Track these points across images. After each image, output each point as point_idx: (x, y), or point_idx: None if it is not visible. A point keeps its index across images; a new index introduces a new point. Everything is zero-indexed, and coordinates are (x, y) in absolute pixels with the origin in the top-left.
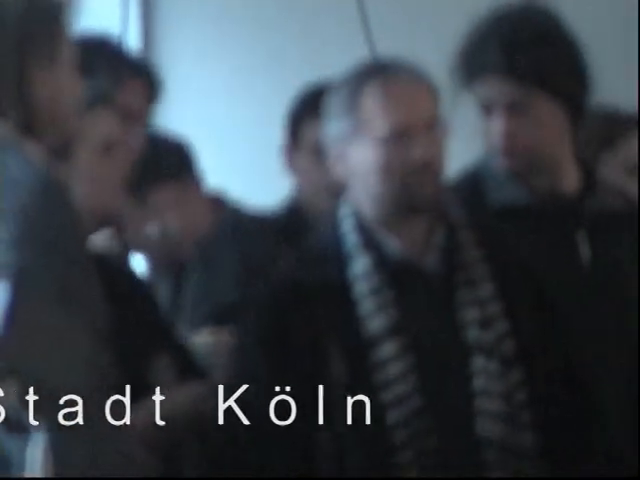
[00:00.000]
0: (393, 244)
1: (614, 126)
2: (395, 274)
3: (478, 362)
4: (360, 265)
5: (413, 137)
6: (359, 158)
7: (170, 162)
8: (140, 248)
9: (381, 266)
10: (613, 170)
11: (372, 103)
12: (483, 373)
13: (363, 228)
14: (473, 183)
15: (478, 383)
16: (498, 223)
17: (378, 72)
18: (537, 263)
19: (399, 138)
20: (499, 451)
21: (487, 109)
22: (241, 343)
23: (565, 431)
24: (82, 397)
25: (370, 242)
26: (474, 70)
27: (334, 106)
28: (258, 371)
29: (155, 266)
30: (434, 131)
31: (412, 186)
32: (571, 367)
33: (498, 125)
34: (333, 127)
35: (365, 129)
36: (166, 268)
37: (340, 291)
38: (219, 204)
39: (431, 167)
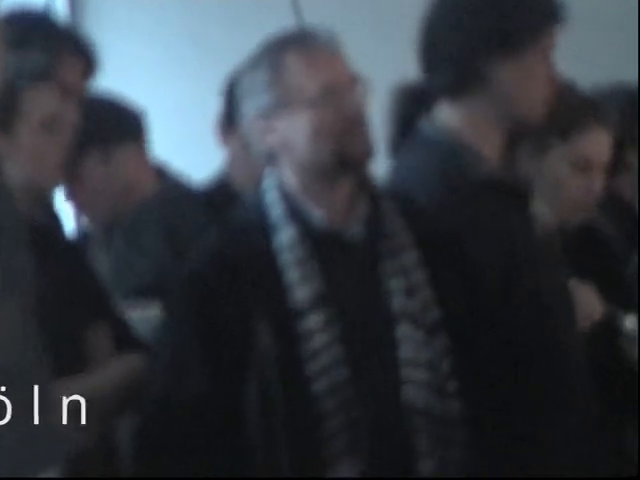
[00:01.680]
0: (317, 214)
1: (576, 117)
2: (320, 244)
3: (404, 330)
4: (285, 236)
5: (341, 93)
6: (290, 126)
7: (132, 124)
8: (90, 206)
9: (306, 236)
10: (561, 163)
11: (296, 70)
12: (409, 341)
13: (288, 199)
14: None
15: (404, 351)
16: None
17: (292, 43)
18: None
19: (329, 96)
20: (425, 418)
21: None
22: (170, 316)
23: (490, 399)
24: (9, 369)
25: (295, 213)
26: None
27: (252, 83)
28: (188, 342)
29: (96, 230)
30: (358, 88)
31: (346, 141)
32: (499, 336)
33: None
34: (254, 103)
35: (293, 96)
36: (105, 232)
37: (266, 262)
38: (162, 174)
39: (362, 121)
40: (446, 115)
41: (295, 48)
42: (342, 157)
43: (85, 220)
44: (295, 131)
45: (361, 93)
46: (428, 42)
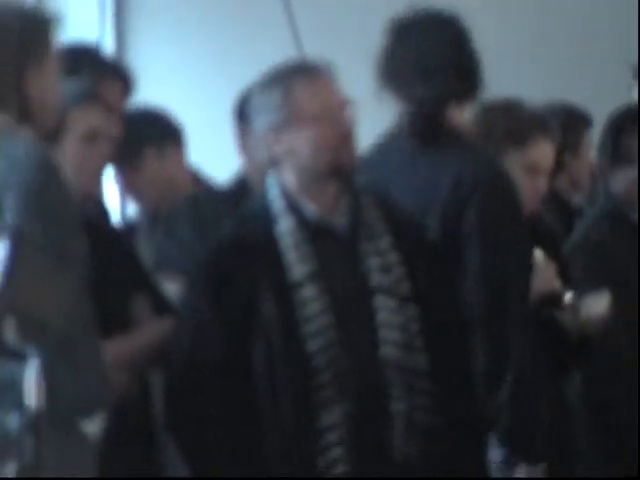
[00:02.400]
0: (310, 208)
1: (527, 129)
2: (312, 231)
3: (380, 300)
4: (284, 225)
5: (337, 114)
6: (296, 138)
7: (178, 131)
8: (143, 196)
9: (301, 225)
10: (515, 166)
11: (303, 94)
12: (384, 309)
13: (287, 195)
14: None
15: (380, 317)
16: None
17: (299, 71)
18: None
19: (327, 116)
20: (398, 371)
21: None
22: (192, 288)
23: (449, 354)
24: (68, 323)
25: (292, 206)
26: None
27: (265, 103)
28: (207, 309)
29: (143, 221)
30: (349, 110)
31: (340, 153)
32: (456, 303)
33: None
34: (266, 119)
35: (299, 116)
36: (149, 223)
37: (270, 245)
38: (196, 177)
39: (352, 137)
40: None
41: (302, 76)
42: (335, 165)
43: (133, 212)
44: (300, 143)
45: (351, 114)
46: None
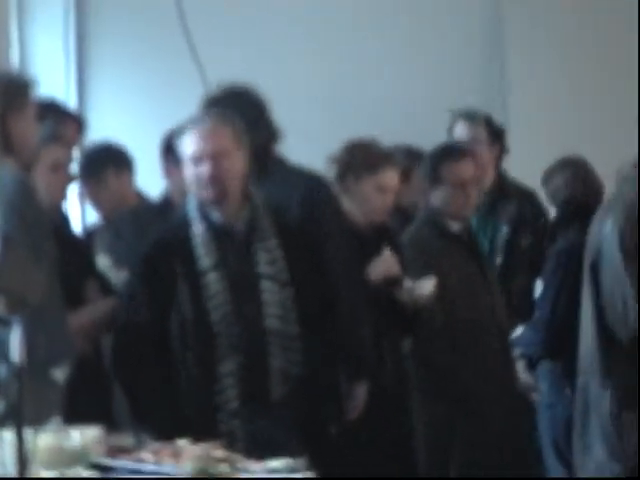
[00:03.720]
0: (216, 215)
1: (381, 159)
2: (217, 233)
3: (266, 285)
4: (197, 228)
5: (203, 160)
6: (186, 172)
7: (130, 160)
8: (103, 207)
9: (209, 229)
10: (369, 187)
11: (187, 140)
12: (268, 291)
13: (200, 206)
14: None
15: (264, 297)
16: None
17: (192, 123)
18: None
19: (195, 160)
20: (276, 336)
21: None
22: (131, 275)
23: (316, 323)
24: (41, 300)
25: (203, 214)
26: None
27: (179, 144)
28: (139, 290)
29: (100, 226)
30: (222, 156)
31: (202, 191)
32: (323, 287)
33: None
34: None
35: (186, 156)
36: (105, 227)
37: (186, 243)
38: (139, 195)
39: (215, 179)
40: None
41: (191, 126)
42: (206, 197)
43: (92, 219)
44: (187, 175)
45: (225, 159)
46: None
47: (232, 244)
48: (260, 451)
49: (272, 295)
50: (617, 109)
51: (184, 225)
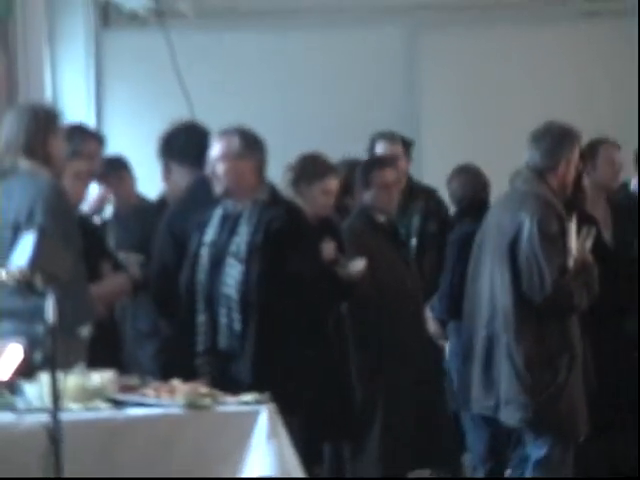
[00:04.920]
0: (231, 204)
1: (326, 169)
2: (223, 221)
3: (229, 260)
4: (217, 213)
5: (216, 162)
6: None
7: (130, 168)
8: (119, 204)
9: (223, 214)
10: (318, 192)
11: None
12: (229, 265)
13: (220, 197)
14: None
15: (226, 269)
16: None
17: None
18: None
19: (214, 161)
20: (237, 302)
21: None
22: (159, 240)
23: (265, 291)
24: (70, 276)
25: (222, 203)
26: None
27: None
28: (165, 247)
29: (112, 220)
30: (234, 160)
31: (217, 185)
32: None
33: None
34: None
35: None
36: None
37: (208, 222)
38: (141, 197)
39: (225, 177)
40: None
41: (215, 138)
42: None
43: (108, 213)
44: None
45: (235, 164)
46: None
47: (230, 228)
48: (228, 388)
49: (230, 269)
50: (502, 127)
51: (214, 209)
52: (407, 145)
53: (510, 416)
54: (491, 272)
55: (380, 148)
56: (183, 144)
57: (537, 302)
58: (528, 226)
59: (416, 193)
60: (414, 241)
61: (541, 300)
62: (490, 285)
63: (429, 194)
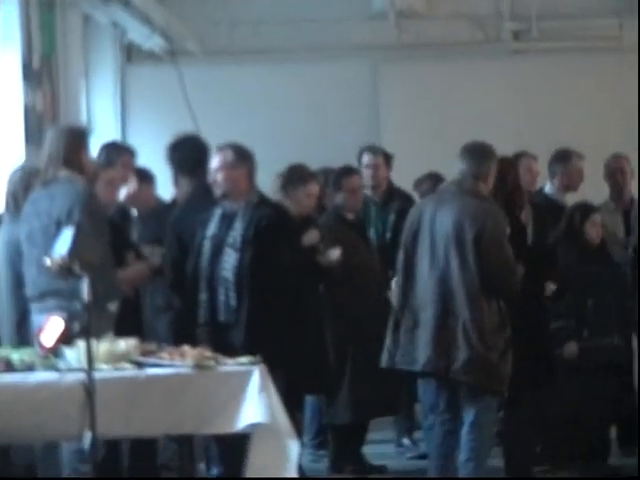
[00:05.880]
0: (228, 205)
1: (308, 176)
2: (221, 219)
3: (227, 251)
4: (217, 211)
5: (216, 172)
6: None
7: (152, 176)
8: (138, 207)
9: (222, 213)
10: (301, 194)
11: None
12: (226, 254)
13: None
14: None
15: (224, 257)
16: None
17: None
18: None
19: (214, 170)
20: (233, 284)
21: None
22: (168, 237)
23: (255, 276)
24: (100, 263)
25: (221, 204)
26: None
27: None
28: (173, 244)
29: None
30: (229, 169)
31: (217, 189)
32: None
33: None
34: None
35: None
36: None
37: (210, 219)
38: (158, 199)
39: (220, 184)
40: None
41: (215, 151)
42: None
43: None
44: None
45: (231, 170)
46: None
47: (224, 225)
48: (226, 352)
49: (228, 256)
50: (451, 143)
51: (216, 209)
52: (387, 157)
53: (461, 375)
54: (445, 258)
55: (365, 158)
56: (181, 157)
57: (500, 285)
58: (490, 225)
59: (393, 195)
60: (389, 234)
61: (506, 283)
62: (444, 268)
63: (405, 197)
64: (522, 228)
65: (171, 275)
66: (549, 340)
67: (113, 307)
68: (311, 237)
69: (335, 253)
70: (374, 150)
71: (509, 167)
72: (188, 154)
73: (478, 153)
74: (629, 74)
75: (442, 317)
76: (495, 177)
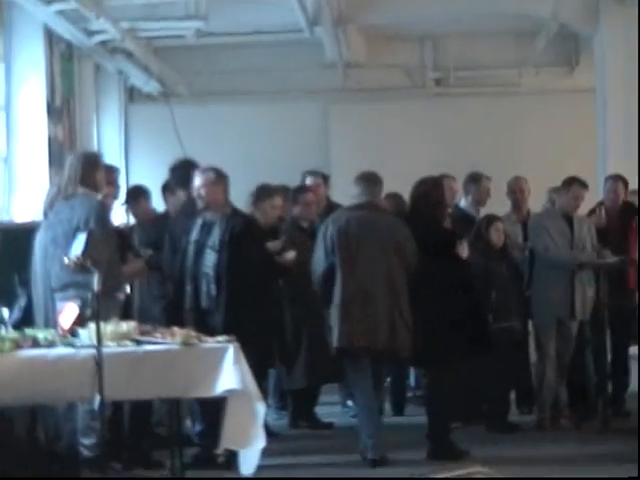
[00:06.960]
0: (208, 215)
1: (276, 190)
2: (203, 226)
3: (206, 250)
4: (199, 221)
5: (199, 188)
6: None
7: (148, 191)
8: (143, 218)
9: (202, 222)
10: (268, 207)
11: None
12: (206, 254)
13: (200, 210)
14: None
15: (204, 257)
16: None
17: (200, 172)
18: None
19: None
20: (207, 277)
21: None
22: (168, 242)
23: (234, 274)
24: (108, 261)
25: (201, 214)
26: None
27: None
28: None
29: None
30: (210, 186)
31: (199, 202)
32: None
33: None
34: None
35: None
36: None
37: (194, 228)
38: (153, 210)
39: (202, 198)
40: None
41: (198, 174)
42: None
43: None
44: None
45: (213, 187)
46: None
47: (207, 230)
48: (207, 333)
49: (208, 256)
50: (388, 173)
51: (198, 219)
52: (325, 178)
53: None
54: (387, 256)
55: (308, 180)
56: (180, 175)
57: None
58: (403, 229)
59: (332, 209)
60: None
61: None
62: (387, 266)
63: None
64: (452, 232)
65: (169, 270)
66: (484, 317)
67: (121, 296)
68: (274, 245)
69: (291, 254)
70: (314, 173)
71: (433, 186)
72: (185, 172)
73: (372, 179)
74: (525, 114)
75: (391, 304)
76: (422, 194)
